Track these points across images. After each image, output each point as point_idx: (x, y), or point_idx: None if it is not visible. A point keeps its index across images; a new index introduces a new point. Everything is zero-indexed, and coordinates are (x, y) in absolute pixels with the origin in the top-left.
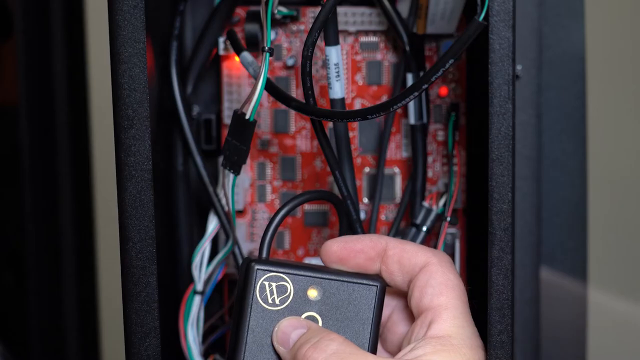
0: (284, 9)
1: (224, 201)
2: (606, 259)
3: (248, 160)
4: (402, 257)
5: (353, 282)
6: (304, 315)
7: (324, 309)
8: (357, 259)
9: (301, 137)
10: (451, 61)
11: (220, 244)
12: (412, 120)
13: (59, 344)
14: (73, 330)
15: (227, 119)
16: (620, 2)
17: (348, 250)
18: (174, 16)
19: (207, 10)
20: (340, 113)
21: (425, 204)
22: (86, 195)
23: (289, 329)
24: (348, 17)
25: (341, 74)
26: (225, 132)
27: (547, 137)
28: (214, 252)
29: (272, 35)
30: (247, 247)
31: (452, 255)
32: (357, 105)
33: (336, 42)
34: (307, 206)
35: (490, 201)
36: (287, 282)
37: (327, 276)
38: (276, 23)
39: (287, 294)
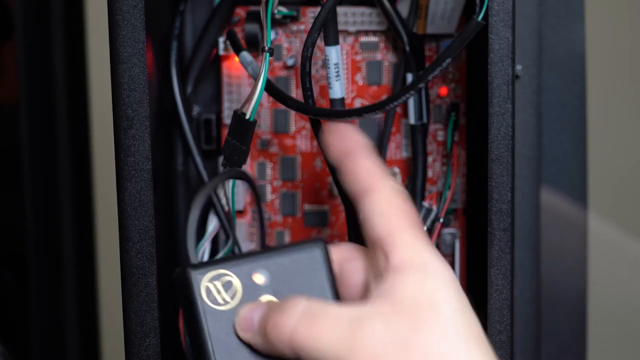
0: (284, 9)
1: (224, 201)
2: (606, 258)
3: (248, 160)
4: (354, 172)
5: (294, 253)
6: None
7: (277, 288)
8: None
9: (301, 137)
10: (449, 60)
11: (220, 244)
12: (412, 120)
13: (59, 344)
14: (73, 330)
15: (227, 119)
16: (620, 2)
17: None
18: (174, 16)
19: (207, 10)
20: (338, 112)
21: (425, 204)
22: (86, 195)
23: (249, 314)
24: (348, 17)
25: (341, 73)
26: (225, 132)
27: (547, 137)
28: (214, 252)
29: (272, 35)
30: (247, 247)
31: (452, 255)
32: (357, 105)
33: (336, 42)
34: (307, 206)
35: (490, 201)
36: (230, 275)
37: (267, 256)
38: (276, 23)
39: (235, 287)
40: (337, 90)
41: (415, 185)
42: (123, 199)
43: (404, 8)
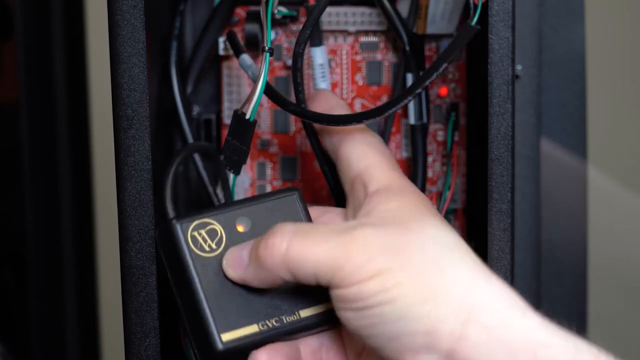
0: (284, 9)
1: (224, 201)
2: (605, 259)
3: (248, 160)
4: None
5: (274, 199)
6: None
7: (259, 232)
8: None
9: (301, 137)
10: (445, 65)
11: None
12: (412, 120)
13: (59, 344)
14: (73, 330)
15: (227, 119)
16: (620, 2)
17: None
18: (174, 16)
19: (207, 10)
20: (337, 117)
21: None
22: (86, 195)
23: (238, 251)
24: (348, 17)
25: (327, 74)
26: (225, 132)
27: (547, 137)
28: None
29: (272, 35)
30: None
31: None
32: (357, 105)
33: (320, 43)
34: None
35: (490, 201)
36: (214, 223)
37: (246, 204)
38: (276, 23)
39: (219, 235)
40: None
41: (415, 185)
42: (123, 199)
43: (404, 8)
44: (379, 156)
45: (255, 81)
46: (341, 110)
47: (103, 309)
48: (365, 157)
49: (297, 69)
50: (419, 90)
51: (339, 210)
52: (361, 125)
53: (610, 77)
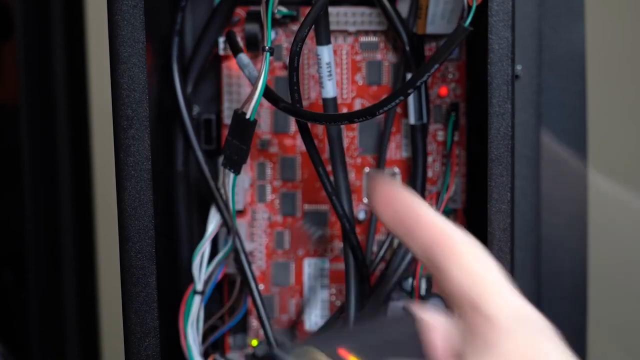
0: (284, 9)
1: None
2: (605, 261)
3: (248, 160)
4: (416, 234)
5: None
6: None
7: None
8: None
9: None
10: (436, 66)
11: (220, 244)
12: (412, 120)
13: (59, 344)
14: (73, 331)
15: (227, 119)
16: (620, 2)
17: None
18: (174, 12)
19: (208, 9)
20: (327, 116)
21: None
22: (86, 195)
23: None
24: (348, 17)
25: (333, 73)
26: (225, 132)
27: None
28: (214, 252)
29: (272, 35)
30: (247, 247)
31: None
32: (357, 105)
33: (328, 42)
34: (307, 206)
35: (490, 201)
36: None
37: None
38: (276, 23)
39: None
40: (330, 89)
41: (415, 185)
42: (123, 199)
43: (404, 8)
44: (489, 274)
45: (251, 80)
46: (417, 206)
47: (103, 309)
48: (474, 275)
49: (293, 68)
50: (411, 91)
51: (442, 321)
52: (448, 225)
53: (610, 77)
